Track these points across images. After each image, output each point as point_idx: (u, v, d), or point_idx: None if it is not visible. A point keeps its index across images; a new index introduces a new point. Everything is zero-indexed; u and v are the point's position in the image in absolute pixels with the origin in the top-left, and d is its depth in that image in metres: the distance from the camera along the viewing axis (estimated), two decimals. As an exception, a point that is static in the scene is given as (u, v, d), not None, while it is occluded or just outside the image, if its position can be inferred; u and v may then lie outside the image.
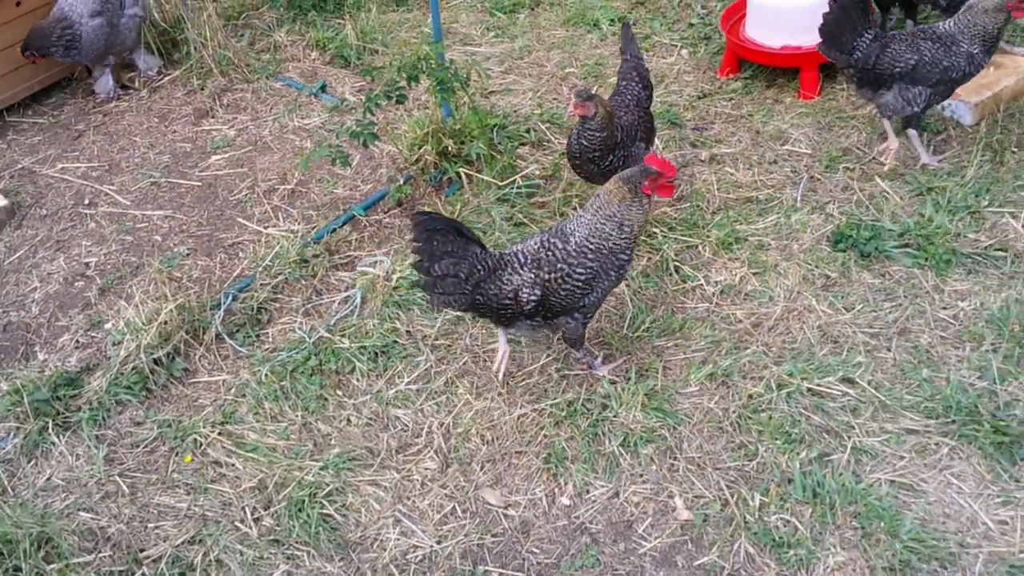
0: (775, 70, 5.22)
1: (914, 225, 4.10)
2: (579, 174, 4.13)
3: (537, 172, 4.64)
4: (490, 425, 3.57)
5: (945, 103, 4.76)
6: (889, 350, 3.62)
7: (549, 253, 3.34)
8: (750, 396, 3.49)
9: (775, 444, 3.32)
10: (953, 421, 3.30)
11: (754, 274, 4.05)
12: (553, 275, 3.31)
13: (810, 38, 4.96)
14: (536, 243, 3.39)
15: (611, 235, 3.31)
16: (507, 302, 3.34)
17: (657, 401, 3.54)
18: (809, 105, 5.01)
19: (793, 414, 3.41)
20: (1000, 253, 3.96)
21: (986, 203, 4.18)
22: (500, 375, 3.62)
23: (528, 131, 4.96)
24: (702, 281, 4.05)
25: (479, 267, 3.30)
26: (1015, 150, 4.46)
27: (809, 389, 3.48)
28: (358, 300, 4.10)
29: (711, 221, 4.34)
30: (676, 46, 5.66)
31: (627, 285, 4.03)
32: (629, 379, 3.63)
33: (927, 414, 3.35)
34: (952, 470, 3.18)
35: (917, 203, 4.26)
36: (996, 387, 3.39)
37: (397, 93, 4.19)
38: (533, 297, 3.32)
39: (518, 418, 3.57)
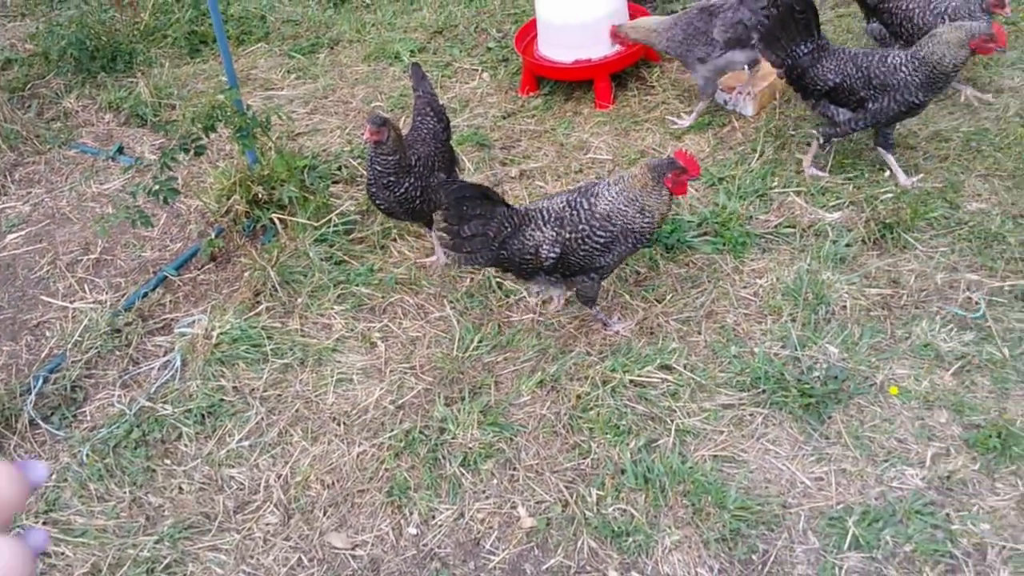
0: (571, 84, 5.44)
1: (710, 214, 4.35)
2: (379, 207, 4.10)
3: (353, 208, 4.65)
4: (329, 468, 3.54)
5: (727, 96, 5.10)
6: (700, 333, 3.83)
7: (573, 213, 3.53)
8: (578, 396, 3.61)
9: (606, 439, 3.45)
10: (763, 391, 3.52)
11: (571, 280, 4.18)
12: (574, 235, 3.50)
13: (599, 50, 5.24)
14: (562, 202, 3.57)
15: (634, 218, 3.52)
16: (528, 257, 3.54)
17: (492, 416, 3.60)
18: (606, 114, 5.24)
19: (619, 407, 3.55)
20: (789, 230, 4.26)
21: (773, 185, 4.49)
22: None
23: (340, 168, 4.96)
24: (524, 293, 4.16)
25: (506, 224, 3.51)
26: (792, 133, 4.81)
27: (631, 381, 3.63)
28: (178, 363, 3.99)
29: (526, 235, 4.46)
30: (477, 70, 5.80)
31: (453, 307, 4.10)
32: (463, 399, 3.69)
33: (739, 388, 3.56)
34: (768, 437, 3.40)
35: (711, 193, 4.53)
36: (798, 353, 3.64)
37: (195, 145, 4.11)
38: (552, 254, 3.52)
39: (357, 456, 3.56)
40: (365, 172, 4.07)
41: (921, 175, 4.34)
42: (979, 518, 3.03)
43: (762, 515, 3.12)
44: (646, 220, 3.54)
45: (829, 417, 3.41)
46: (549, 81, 5.50)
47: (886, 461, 3.24)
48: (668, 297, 4.02)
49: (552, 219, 3.55)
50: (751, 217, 4.34)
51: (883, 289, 3.88)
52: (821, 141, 4.42)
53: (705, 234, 4.29)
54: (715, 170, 4.66)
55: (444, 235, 3.59)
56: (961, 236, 4.08)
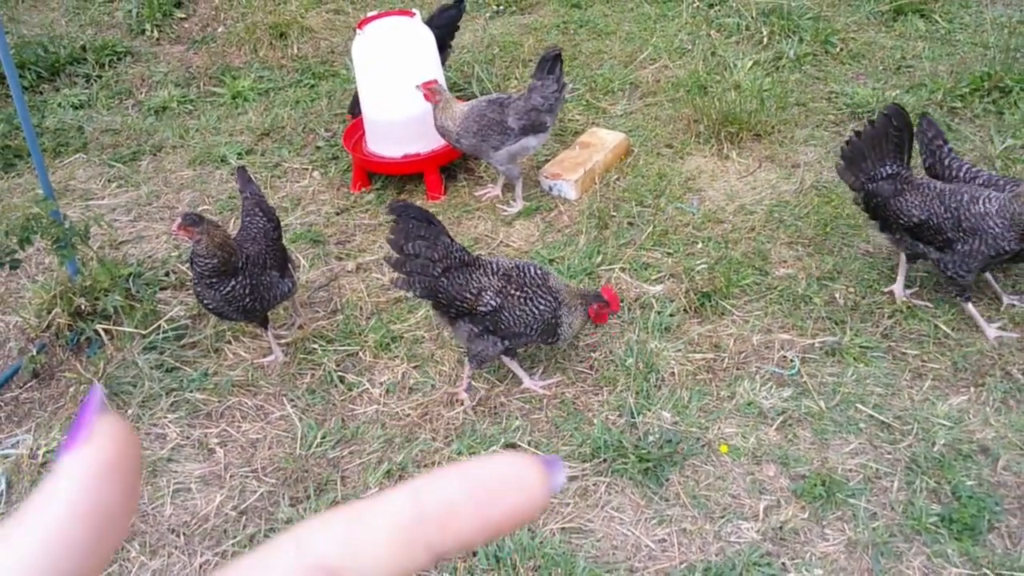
0: (402, 177, 5.57)
1: (544, 294, 4.51)
2: (207, 308, 4.00)
3: (183, 313, 4.54)
4: (169, 584, 3.36)
5: (551, 183, 5.36)
6: (541, 410, 3.93)
7: (522, 274, 3.69)
8: (426, 484, 3.59)
9: (456, 524, 3.44)
10: (604, 460, 3.63)
11: (414, 367, 4.22)
12: (518, 293, 3.64)
13: (425, 144, 5.40)
14: (513, 264, 3.76)
15: (563, 318, 3.77)
16: (468, 296, 3.65)
17: (340, 513, 3.53)
18: (438, 204, 5.38)
19: (468, 491, 3.55)
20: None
21: (598, 263, 4.72)
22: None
23: (167, 274, 4.84)
24: (367, 384, 4.15)
25: (452, 256, 3.63)
26: (613, 214, 5.09)
27: (478, 464, 3.66)
28: (3, 486, 3.71)
29: (367, 326, 4.48)
30: (307, 169, 5.84)
31: (294, 405, 4.03)
32: (309, 497, 3.61)
33: (582, 459, 3.66)
34: (612, 504, 3.49)
35: (543, 275, 4.70)
36: (635, 420, 3.79)
37: (9, 259, 3.93)
38: (492, 303, 3.63)
39: (200, 567, 3.40)
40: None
41: (1002, 321, 4.12)
42: (812, 564, 3.21)
43: (612, 582, 3.19)
44: (564, 329, 3.80)
45: (667, 479, 3.55)
46: (381, 176, 5.60)
47: (723, 517, 3.39)
48: (509, 377, 4.10)
49: (500, 272, 3.72)
50: (582, 295, 4.53)
51: (706, 354, 4.12)
52: (959, 299, 4.05)
53: (540, 314, 4.43)
54: (545, 252, 4.85)
55: (389, 246, 3.68)
56: (772, 300, 4.40)
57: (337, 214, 5.39)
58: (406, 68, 5.28)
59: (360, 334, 4.43)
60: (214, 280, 3.81)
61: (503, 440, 3.76)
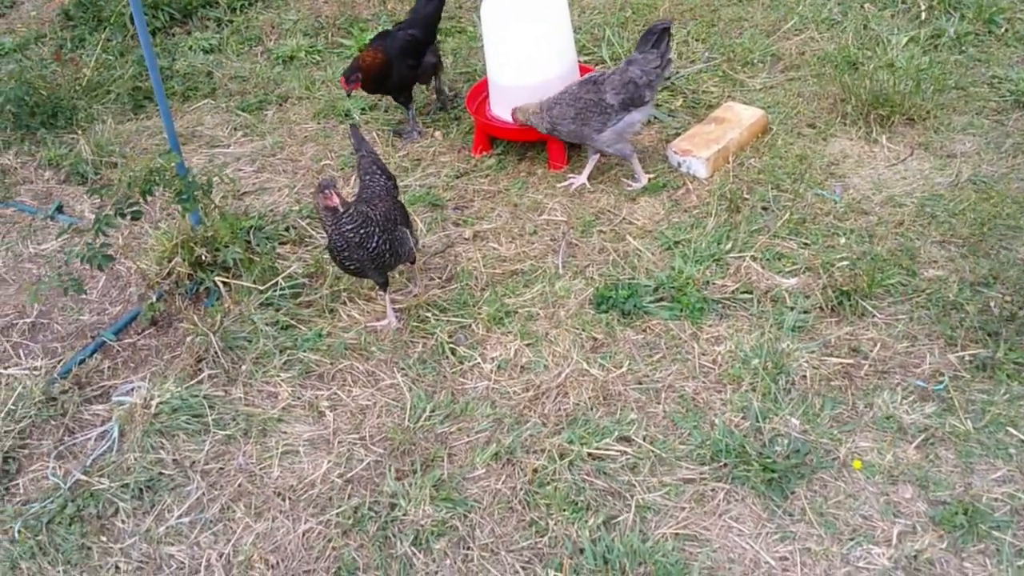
0: (524, 144, 5.39)
1: (667, 279, 4.29)
2: (349, 269, 4.02)
3: (300, 271, 4.50)
4: (274, 547, 3.34)
5: (681, 159, 5.09)
6: (659, 403, 3.74)
7: None
8: (535, 470, 3.48)
9: (563, 515, 3.31)
10: (725, 464, 3.42)
11: (527, 345, 4.09)
12: None
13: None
14: None
15: None
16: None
17: (445, 491, 3.45)
18: (559, 175, 5.19)
19: (577, 481, 3.42)
20: (746, 295, 4.21)
21: (727, 249, 4.46)
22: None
23: (287, 229, 4.83)
24: (479, 359, 4.04)
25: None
26: (746, 197, 4.80)
27: (589, 454, 3.52)
28: (116, 434, 3.78)
29: (481, 298, 4.36)
30: (429, 129, 5.73)
31: (404, 374, 3.96)
32: (415, 472, 3.53)
33: (700, 461, 3.47)
34: (730, 514, 3.29)
35: (667, 257, 4.48)
36: (759, 425, 3.56)
37: (132, 210, 3.95)
38: None
39: (303, 534, 3.37)
40: (327, 235, 3.94)
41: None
42: (948, 599, 2.95)
43: (727, 598, 3.00)
44: None
45: (792, 492, 3.32)
46: (502, 141, 5.44)
47: (851, 539, 3.15)
48: (626, 365, 3.92)
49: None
50: (708, 282, 4.29)
51: (843, 358, 3.84)
52: None
53: (662, 299, 4.23)
54: (670, 233, 4.62)
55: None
56: (919, 304, 4.07)
57: (456, 177, 5.27)
58: (536, 32, 5.08)
59: (474, 305, 4.31)
60: (363, 234, 3.85)
61: (617, 433, 3.59)
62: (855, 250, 4.36)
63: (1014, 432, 3.45)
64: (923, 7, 6.14)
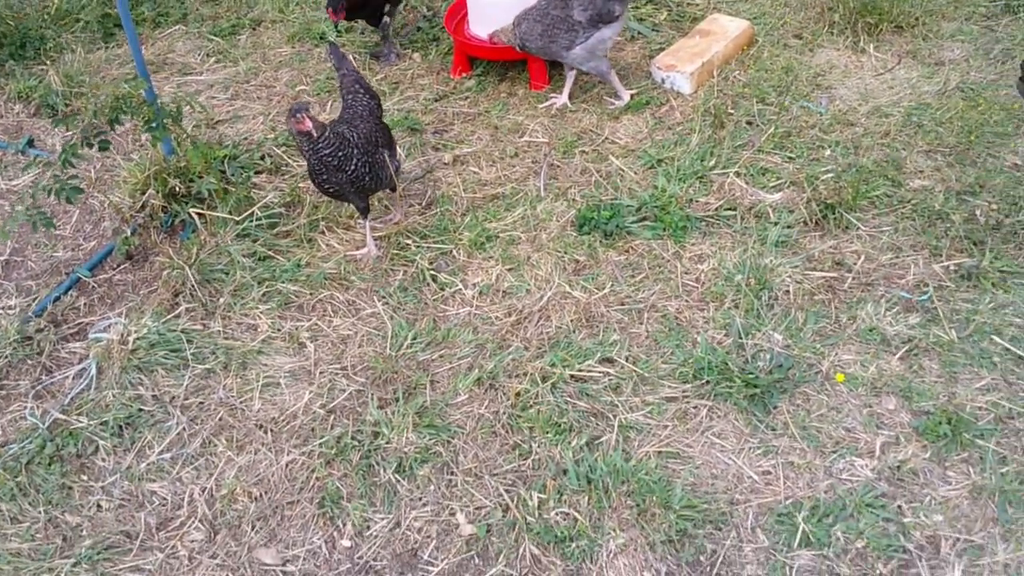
0: (505, 64, 5.25)
1: (649, 198, 4.22)
2: (328, 192, 3.94)
3: (277, 200, 4.41)
4: (257, 480, 3.34)
5: (664, 75, 4.96)
6: (641, 323, 3.70)
7: None
8: (517, 394, 3.45)
9: (547, 438, 3.30)
10: (707, 382, 3.40)
11: (509, 270, 4.03)
12: None
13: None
14: None
15: None
16: None
17: (428, 418, 3.43)
18: (541, 95, 5.06)
19: (560, 404, 3.40)
20: (730, 212, 4.14)
21: (711, 166, 4.37)
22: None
23: (263, 157, 4.72)
24: (460, 285, 3.99)
25: None
26: (731, 112, 4.69)
27: (572, 376, 3.49)
28: (94, 371, 3.73)
29: (461, 223, 4.29)
30: (407, 51, 5.57)
31: (385, 303, 3.91)
32: (398, 400, 3.51)
33: (683, 379, 3.44)
34: (713, 430, 3.28)
35: (650, 176, 4.40)
36: (742, 341, 3.53)
37: (98, 140, 3.84)
38: None
39: (286, 466, 3.36)
40: (306, 160, 3.84)
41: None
42: (931, 509, 2.96)
43: (709, 514, 3.01)
44: None
45: (775, 407, 3.30)
46: (482, 61, 5.29)
47: (834, 452, 3.15)
48: (608, 286, 3.87)
49: None
50: (691, 200, 4.22)
51: (827, 272, 3.79)
52: None
53: (644, 219, 4.16)
54: (654, 152, 4.52)
55: None
56: (904, 215, 4.01)
57: (436, 100, 5.14)
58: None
59: (454, 231, 4.24)
60: (342, 157, 3.77)
61: (599, 354, 3.56)
62: (840, 162, 4.28)
63: (998, 340, 3.42)
64: (914, -91, 5.92)
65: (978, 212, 3.93)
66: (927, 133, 4.40)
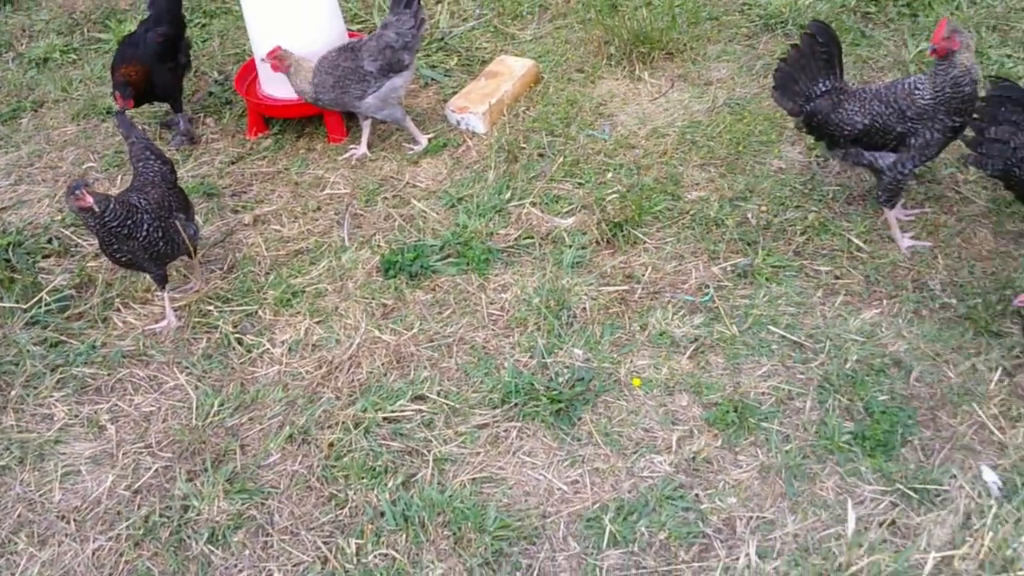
0: (301, 120, 5.28)
1: (452, 236, 4.32)
2: (121, 262, 3.87)
3: (66, 283, 4.25)
4: (63, 573, 3.18)
5: (459, 117, 5.11)
6: (451, 357, 3.77)
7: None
8: (330, 444, 3.45)
9: (363, 483, 3.30)
10: (515, 404, 3.50)
11: (317, 323, 4.03)
12: None
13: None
14: None
15: None
16: None
17: (240, 483, 3.37)
18: (340, 147, 5.11)
19: (374, 447, 3.42)
20: (528, 240, 4.30)
21: (508, 199, 4.52)
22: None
23: (50, 240, 4.55)
24: (267, 345, 3.95)
25: None
26: (523, 146, 4.88)
27: (384, 418, 3.52)
28: None
29: (266, 282, 4.26)
30: (199, 116, 5.51)
31: (189, 373, 3.83)
32: (207, 470, 3.43)
33: (492, 405, 3.53)
34: (523, 449, 3.37)
35: (451, 215, 4.51)
36: (545, 361, 3.66)
37: None
38: None
39: (93, 554, 3.22)
40: (96, 236, 3.74)
41: (914, 231, 4.06)
42: (726, 493, 3.14)
43: (523, 530, 3.08)
44: None
45: (579, 419, 3.43)
46: (278, 120, 5.31)
47: (635, 452, 3.30)
48: (417, 325, 3.93)
49: None
50: (491, 233, 4.35)
51: (619, 286, 3.99)
52: (885, 207, 3.95)
53: (448, 256, 4.26)
54: (454, 191, 4.65)
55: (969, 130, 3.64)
56: (685, 225, 4.27)
57: (232, 163, 5.10)
58: (297, 3, 4.95)
59: (259, 291, 4.21)
60: (130, 225, 3.69)
61: (411, 393, 3.60)
62: (625, 183, 4.51)
63: (774, 329, 3.69)
64: (674, -55, 6.38)
65: (750, 215, 4.24)
66: (700, 148, 4.71)
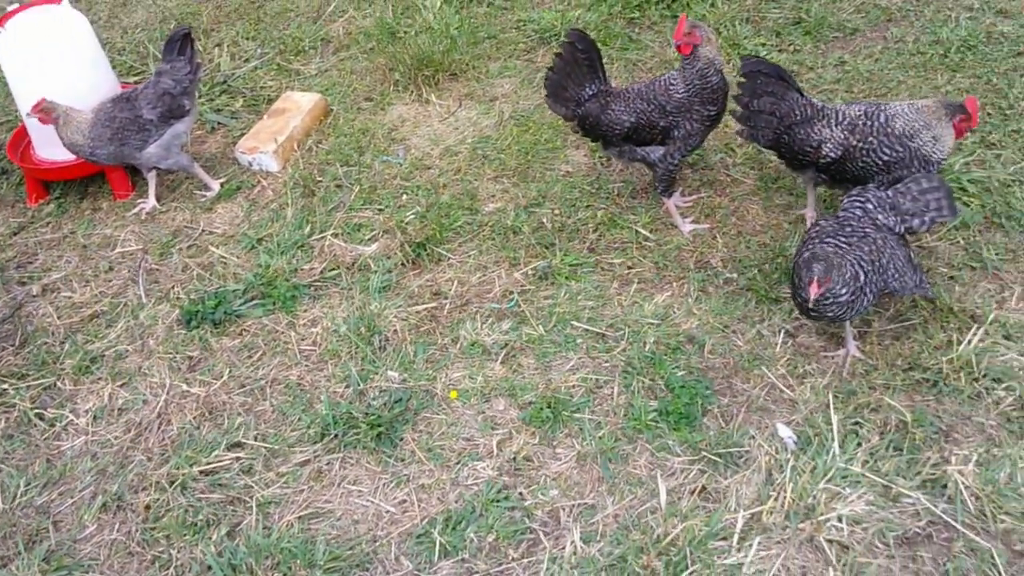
0: (83, 180, 5.07)
1: (255, 278, 4.27)
2: None
3: None
4: None
5: (250, 158, 5.06)
6: (265, 400, 3.72)
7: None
8: (147, 507, 3.33)
9: (185, 540, 3.21)
10: (335, 436, 3.49)
11: (121, 386, 3.88)
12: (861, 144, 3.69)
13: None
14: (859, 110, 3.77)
15: (926, 144, 3.67)
16: (808, 150, 3.84)
17: (56, 561, 3.21)
18: (127, 203, 4.94)
19: (193, 502, 3.33)
20: (334, 272, 4.30)
21: (309, 233, 4.51)
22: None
23: None
24: (71, 416, 3.77)
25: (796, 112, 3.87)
26: (319, 179, 4.89)
27: (201, 471, 3.43)
28: None
29: (62, 352, 4.06)
30: (-27, 190, 5.19)
31: (-15, 458, 3.60)
32: (20, 553, 3.24)
33: (312, 441, 3.51)
34: (348, 479, 3.38)
35: (253, 256, 4.45)
36: (361, 387, 3.67)
37: None
38: (833, 155, 3.77)
39: None
40: None
41: (693, 216, 4.33)
42: (548, 487, 3.26)
43: (354, 558, 3.09)
44: (937, 148, 3.62)
45: (401, 439, 3.47)
46: (59, 183, 5.07)
47: (459, 463, 3.37)
48: (227, 372, 3.86)
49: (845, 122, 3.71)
50: (296, 270, 4.33)
51: (428, 304, 4.06)
52: (663, 196, 4.23)
53: (253, 299, 4.20)
54: (253, 232, 4.59)
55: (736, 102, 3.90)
56: (485, 237, 4.39)
57: (14, 234, 4.84)
58: (62, 60, 4.77)
59: (55, 362, 4.01)
60: None
61: (226, 442, 3.53)
62: (423, 203, 4.60)
63: (578, 324, 3.86)
64: (448, -30, 6.56)
65: (545, 220, 4.41)
66: (492, 162, 4.87)
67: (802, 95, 3.91)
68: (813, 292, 3.12)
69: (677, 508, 3.14)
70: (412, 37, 5.81)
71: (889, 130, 3.64)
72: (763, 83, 3.92)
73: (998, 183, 4.22)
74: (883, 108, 3.72)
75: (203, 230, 4.70)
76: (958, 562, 2.91)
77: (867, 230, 3.36)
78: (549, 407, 3.50)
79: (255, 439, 3.54)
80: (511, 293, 4.05)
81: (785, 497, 3.11)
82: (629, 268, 4.11)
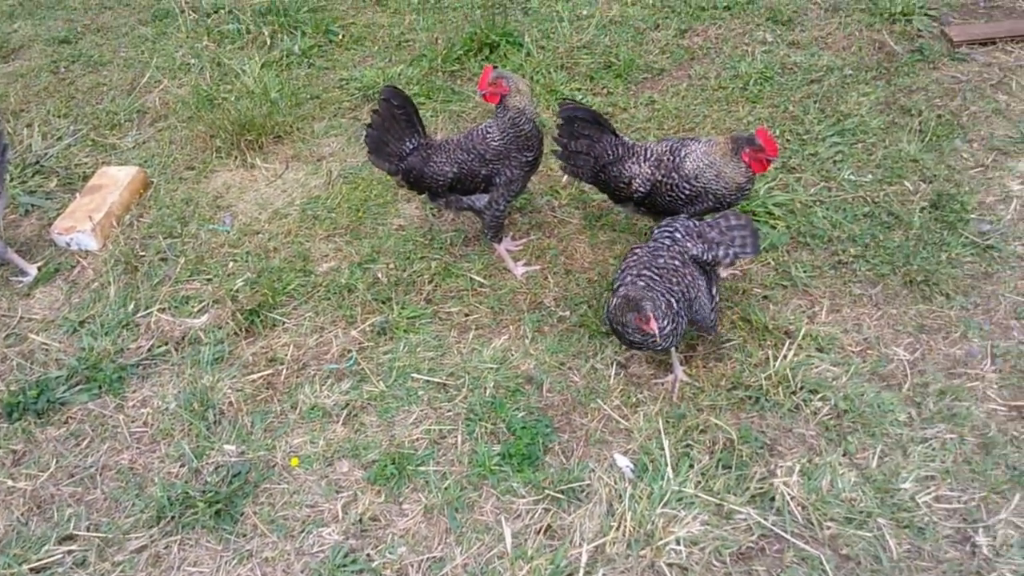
0: None
1: (78, 362, 4.07)
2: None
3: None
4: None
5: (67, 238, 4.84)
6: (96, 487, 3.55)
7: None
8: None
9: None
10: (172, 518, 3.36)
11: (-67, 492, 3.59)
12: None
13: None
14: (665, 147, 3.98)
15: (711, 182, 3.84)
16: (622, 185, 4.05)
17: None
18: (-68, 295, 4.63)
19: (19, 610, 3.11)
20: (163, 348, 4.16)
21: (133, 311, 4.35)
22: None
23: None
24: None
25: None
26: (142, 254, 4.73)
27: (31, 569, 3.25)
28: None
29: None
30: None
31: None
32: None
33: (148, 525, 3.37)
34: (188, 561, 3.25)
35: (75, 340, 4.25)
36: (196, 465, 3.55)
37: None
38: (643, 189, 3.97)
39: None
40: None
41: (523, 260, 4.43)
42: (395, 544, 3.23)
43: (199, 645, 2.96)
44: (722, 184, 3.78)
45: (241, 514, 3.37)
46: None
47: (303, 531, 3.30)
48: (54, 463, 3.65)
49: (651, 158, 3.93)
50: (122, 350, 4.16)
51: (264, 371, 3.98)
52: (494, 242, 4.34)
53: (77, 384, 4.00)
54: (74, 315, 4.39)
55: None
56: (320, 297, 4.36)
57: None
58: None
59: None
60: None
61: (56, 535, 3.33)
62: (254, 269, 4.53)
63: (419, 376, 3.87)
64: (267, 33, 6.56)
65: (380, 275, 4.43)
66: (323, 221, 4.85)
67: (616, 135, 4.11)
68: (654, 327, 3.25)
69: (523, 550, 3.17)
70: (232, 102, 5.75)
71: (681, 169, 3.88)
72: (580, 127, 4.10)
73: (800, 204, 4.54)
74: (684, 144, 3.95)
75: (21, 317, 4.46)
76: (791, 572, 3.06)
77: (676, 263, 3.54)
78: (393, 463, 3.48)
79: (87, 529, 3.36)
80: (349, 351, 4.02)
81: (626, 526, 3.21)
82: (466, 315, 4.17)
